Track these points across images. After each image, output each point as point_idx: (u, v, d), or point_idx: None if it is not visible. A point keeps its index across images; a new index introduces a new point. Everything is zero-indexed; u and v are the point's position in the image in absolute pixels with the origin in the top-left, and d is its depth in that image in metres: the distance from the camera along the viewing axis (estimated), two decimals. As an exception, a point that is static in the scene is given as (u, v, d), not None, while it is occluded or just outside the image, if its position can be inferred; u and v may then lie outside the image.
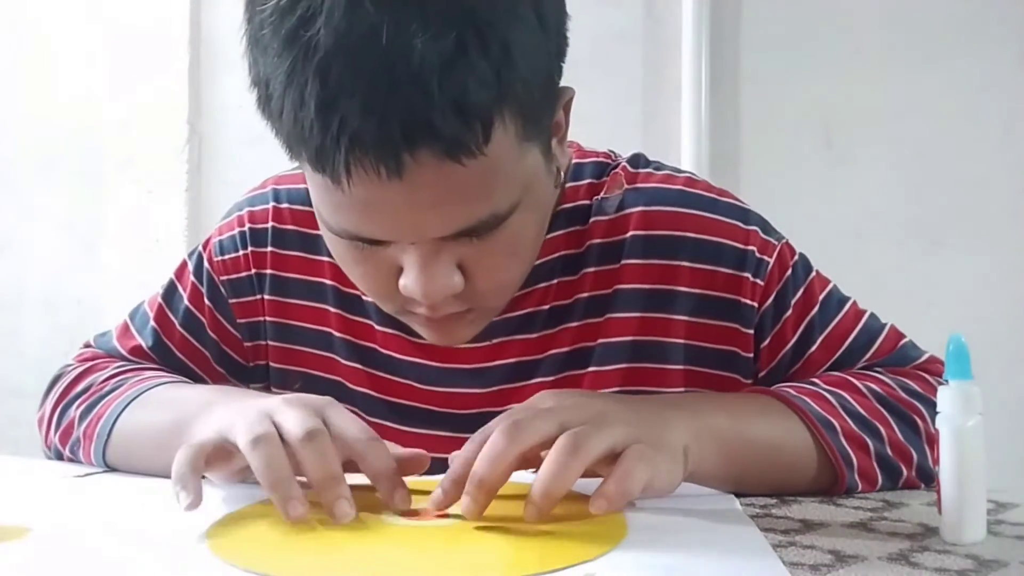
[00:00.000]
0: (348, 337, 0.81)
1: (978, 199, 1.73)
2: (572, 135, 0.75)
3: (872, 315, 0.83)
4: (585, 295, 0.77)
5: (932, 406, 0.56)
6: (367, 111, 0.53)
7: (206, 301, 0.89)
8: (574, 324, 0.77)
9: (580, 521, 0.58)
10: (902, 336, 0.83)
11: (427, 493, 0.58)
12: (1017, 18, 1.72)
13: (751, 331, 0.75)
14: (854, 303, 0.82)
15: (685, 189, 0.78)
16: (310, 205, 0.69)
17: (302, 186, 0.83)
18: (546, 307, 0.77)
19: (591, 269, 0.77)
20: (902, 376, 0.76)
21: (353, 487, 0.56)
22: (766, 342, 0.76)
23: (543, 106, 0.62)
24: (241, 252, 0.87)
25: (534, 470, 0.68)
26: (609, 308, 0.76)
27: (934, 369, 0.78)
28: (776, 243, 0.77)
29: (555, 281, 0.77)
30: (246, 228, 0.89)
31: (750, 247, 0.75)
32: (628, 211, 0.77)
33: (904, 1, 1.77)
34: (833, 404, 0.69)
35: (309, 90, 0.53)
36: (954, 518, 0.52)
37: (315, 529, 0.56)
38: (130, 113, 2.01)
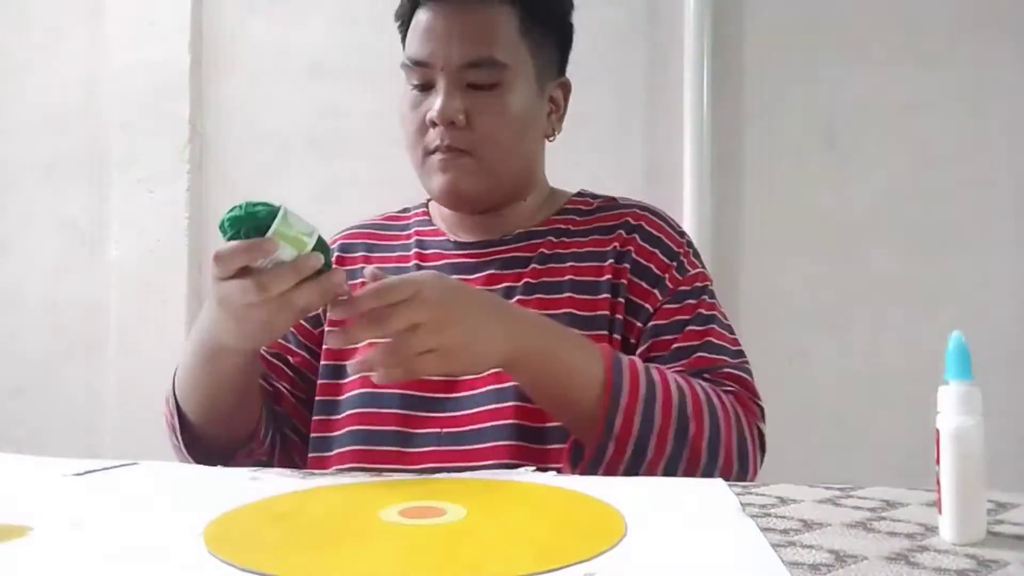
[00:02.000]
0: None
1: (980, 199, 1.73)
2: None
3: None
4: (570, 251, 1.00)
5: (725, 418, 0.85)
6: None
7: None
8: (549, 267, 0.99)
9: (578, 521, 0.58)
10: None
11: (427, 492, 0.58)
12: (1019, 18, 1.72)
13: (659, 299, 0.97)
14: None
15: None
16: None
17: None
18: (535, 254, 1.00)
19: (584, 238, 1.01)
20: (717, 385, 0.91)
21: (352, 487, 0.56)
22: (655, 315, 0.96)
23: (541, 37, 0.98)
24: None
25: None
26: (585, 260, 0.99)
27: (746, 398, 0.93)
28: (700, 268, 1.03)
29: (547, 239, 1.01)
30: None
31: (680, 250, 1.02)
32: (614, 210, 1.04)
33: (907, 1, 1.77)
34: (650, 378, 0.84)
35: None
36: (954, 518, 0.52)
37: (313, 529, 0.56)
38: (131, 113, 2.01)
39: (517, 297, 0.96)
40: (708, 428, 0.83)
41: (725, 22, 1.81)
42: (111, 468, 0.77)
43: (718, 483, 0.69)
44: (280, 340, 1.03)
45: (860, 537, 0.54)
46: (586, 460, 0.81)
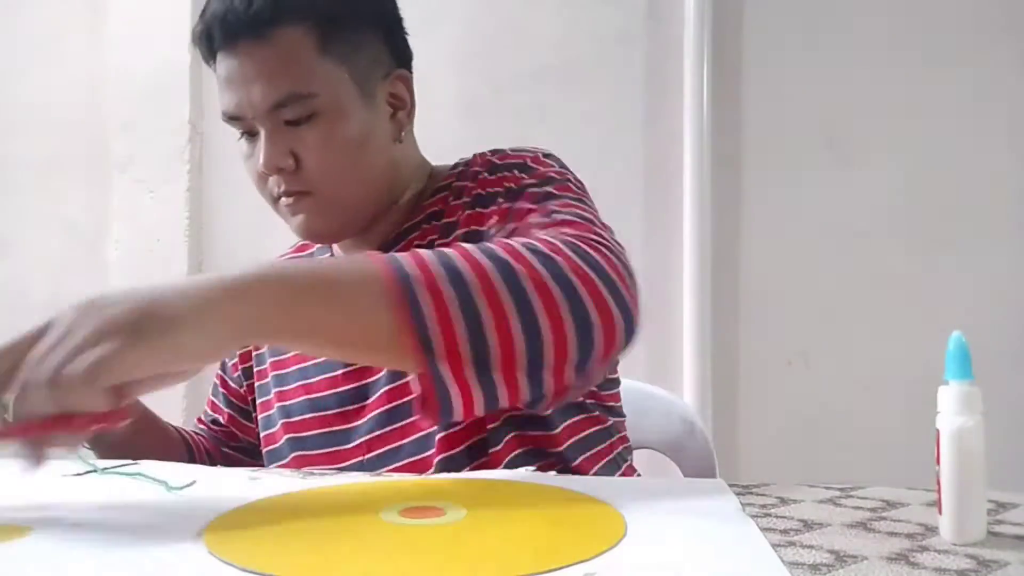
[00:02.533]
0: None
1: (980, 200, 1.73)
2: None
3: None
4: (444, 225, 0.93)
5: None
6: (214, 13, 0.88)
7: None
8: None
9: (578, 521, 0.58)
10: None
11: (427, 492, 0.58)
12: (1019, 20, 1.72)
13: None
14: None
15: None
16: None
17: None
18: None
19: (449, 219, 0.93)
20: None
21: (352, 487, 0.56)
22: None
23: (348, 44, 0.89)
24: None
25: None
26: (451, 231, 0.92)
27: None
28: (557, 169, 0.91)
29: (421, 228, 0.94)
30: None
31: (521, 160, 0.92)
32: (475, 168, 0.95)
33: (906, 3, 1.77)
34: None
35: (199, 17, 0.90)
36: (954, 518, 0.52)
37: (313, 528, 0.56)
38: (132, 113, 2.01)
39: None
40: (541, 267, 0.67)
41: (725, 22, 1.81)
42: (111, 468, 0.76)
43: (718, 483, 0.69)
44: (212, 398, 1.10)
45: (860, 537, 0.54)
46: (420, 371, 0.64)
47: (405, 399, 0.88)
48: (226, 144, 1.97)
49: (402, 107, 0.96)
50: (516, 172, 0.90)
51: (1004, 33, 1.73)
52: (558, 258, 0.68)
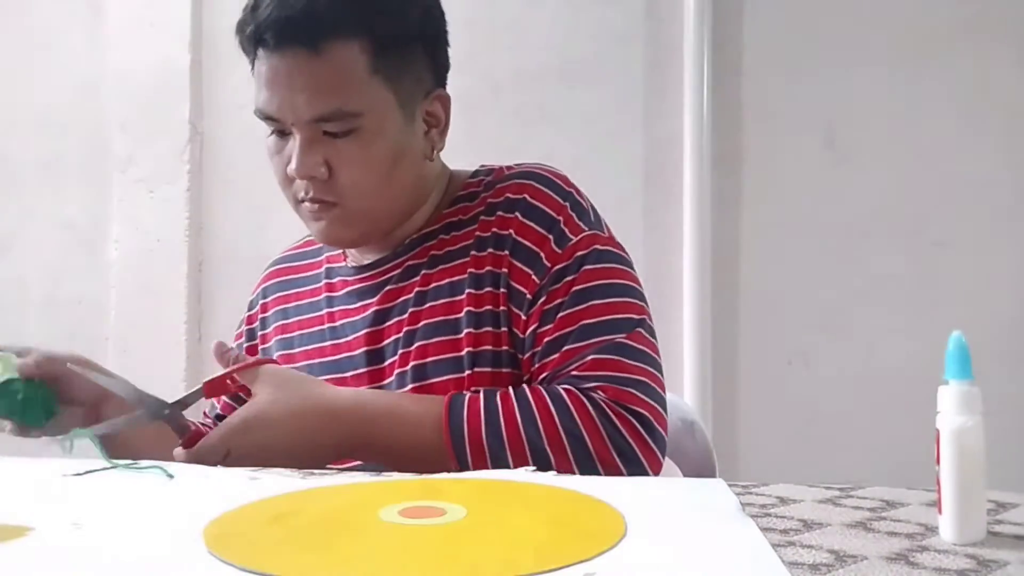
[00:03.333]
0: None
1: (979, 199, 1.73)
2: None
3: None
4: (459, 246, 0.95)
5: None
6: (270, 10, 0.85)
7: None
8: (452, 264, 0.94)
9: (578, 521, 0.58)
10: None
11: (427, 492, 0.58)
12: (1018, 18, 1.72)
13: (537, 282, 0.90)
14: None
15: (532, 170, 0.97)
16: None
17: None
18: (425, 259, 0.95)
19: (469, 228, 0.95)
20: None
21: (352, 487, 0.56)
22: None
23: (399, 63, 0.89)
24: None
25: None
26: (470, 250, 0.93)
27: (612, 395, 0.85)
28: (587, 230, 0.92)
29: (438, 238, 0.96)
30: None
31: (560, 216, 0.92)
32: (496, 187, 0.96)
33: (905, 1, 1.77)
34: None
35: (248, 8, 0.88)
36: (954, 518, 0.52)
37: (313, 528, 0.56)
38: (132, 113, 2.01)
39: (410, 309, 0.93)
40: (572, 454, 0.81)
41: (725, 22, 1.81)
42: (111, 468, 0.76)
43: (718, 483, 0.69)
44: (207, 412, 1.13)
45: (860, 537, 0.54)
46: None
47: (426, 359, 0.92)
48: (226, 144, 1.98)
49: (436, 125, 0.96)
50: (547, 234, 0.90)
51: (1004, 33, 1.73)
52: (589, 443, 0.81)
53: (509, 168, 0.99)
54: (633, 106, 1.84)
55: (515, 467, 0.79)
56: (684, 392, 1.77)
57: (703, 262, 1.78)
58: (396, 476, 0.75)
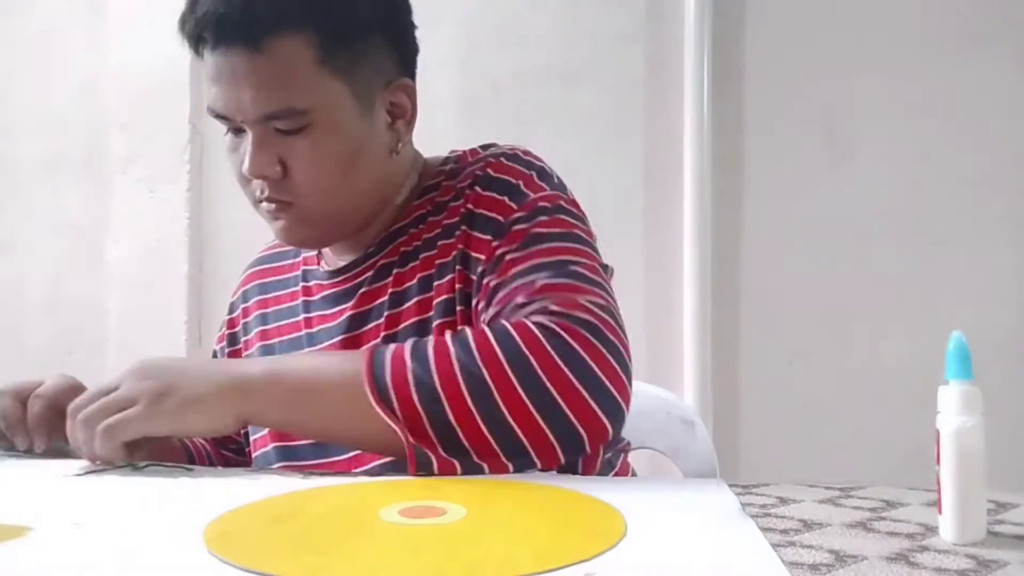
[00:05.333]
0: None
1: (980, 199, 1.73)
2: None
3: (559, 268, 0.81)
4: (432, 235, 0.90)
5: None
6: (208, 7, 0.82)
7: None
8: (425, 257, 0.90)
9: (578, 521, 0.58)
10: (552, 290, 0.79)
11: (427, 492, 0.58)
12: (1019, 18, 1.72)
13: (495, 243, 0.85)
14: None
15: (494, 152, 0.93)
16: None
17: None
18: (396, 257, 0.92)
19: (435, 218, 0.91)
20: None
21: (352, 487, 0.56)
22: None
23: (350, 55, 0.84)
24: None
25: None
26: (438, 240, 0.89)
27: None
28: (548, 189, 0.88)
29: (408, 233, 0.92)
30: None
31: (519, 180, 0.88)
32: (470, 167, 0.91)
33: (907, 1, 1.77)
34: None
35: (188, 3, 0.86)
36: (954, 518, 0.52)
37: (313, 528, 0.56)
38: (132, 113, 2.01)
39: (386, 313, 0.90)
40: (515, 375, 0.70)
41: (725, 22, 1.81)
42: (111, 468, 0.76)
43: (718, 483, 0.69)
44: None
45: (860, 537, 0.54)
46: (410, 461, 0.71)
47: None
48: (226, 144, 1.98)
49: (402, 115, 0.91)
50: (508, 200, 0.86)
51: (1004, 33, 1.73)
52: (535, 363, 0.71)
53: (474, 152, 0.94)
54: (633, 106, 1.84)
55: (449, 404, 0.70)
56: (684, 392, 1.77)
57: (703, 262, 1.78)
58: (396, 476, 0.75)
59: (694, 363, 1.78)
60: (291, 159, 0.84)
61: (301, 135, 0.84)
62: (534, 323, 0.73)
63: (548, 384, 0.71)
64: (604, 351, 0.73)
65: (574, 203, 0.90)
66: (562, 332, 0.72)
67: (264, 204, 0.88)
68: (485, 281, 0.83)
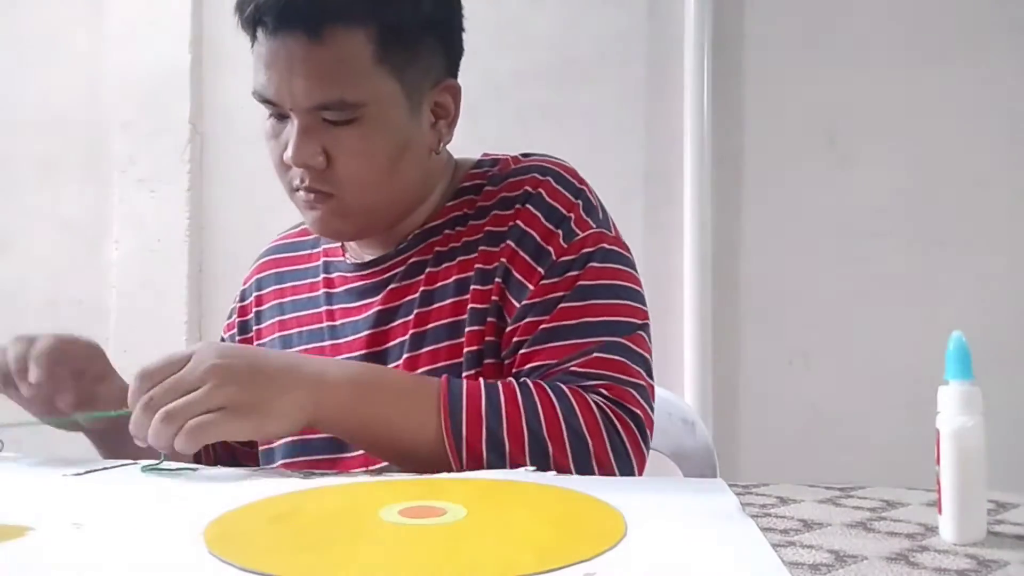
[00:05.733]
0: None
1: (981, 199, 1.73)
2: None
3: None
4: (462, 242, 0.91)
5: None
6: None
7: None
8: (456, 262, 0.91)
9: (578, 521, 0.58)
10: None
11: (427, 492, 0.58)
12: (1019, 18, 1.72)
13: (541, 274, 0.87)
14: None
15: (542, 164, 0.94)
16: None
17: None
18: (430, 256, 0.92)
19: (476, 222, 0.92)
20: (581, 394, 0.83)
21: (352, 487, 0.56)
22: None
23: (406, 53, 0.85)
24: None
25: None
26: (479, 245, 0.90)
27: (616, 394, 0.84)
28: (595, 227, 0.90)
29: (443, 233, 0.93)
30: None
31: (570, 213, 0.89)
32: (505, 180, 0.93)
33: (907, 2, 1.77)
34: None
35: None
36: (954, 518, 0.52)
37: (313, 528, 0.56)
38: (132, 113, 2.01)
39: (416, 310, 0.91)
40: (571, 449, 0.79)
41: (725, 22, 1.81)
42: (111, 468, 0.77)
43: (718, 483, 0.69)
44: None
45: (860, 537, 0.54)
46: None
47: (437, 364, 0.88)
48: (226, 144, 1.98)
49: (445, 116, 0.92)
50: (558, 231, 0.88)
51: (1004, 33, 1.73)
52: (592, 450, 0.79)
53: (516, 160, 0.95)
54: (634, 106, 1.84)
55: (511, 454, 0.77)
56: (684, 392, 1.76)
57: (703, 262, 1.78)
58: (396, 476, 0.75)
59: (694, 363, 1.78)
60: (336, 150, 0.85)
61: (349, 127, 0.84)
62: (595, 405, 0.81)
63: (596, 470, 0.79)
64: (643, 448, 0.83)
65: (617, 239, 0.92)
66: (619, 427, 0.81)
67: (301, 193, 0.87)
68: (532, 318, 0.86)
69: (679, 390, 1.76)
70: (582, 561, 0.48)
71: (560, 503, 0.63)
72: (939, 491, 0.53)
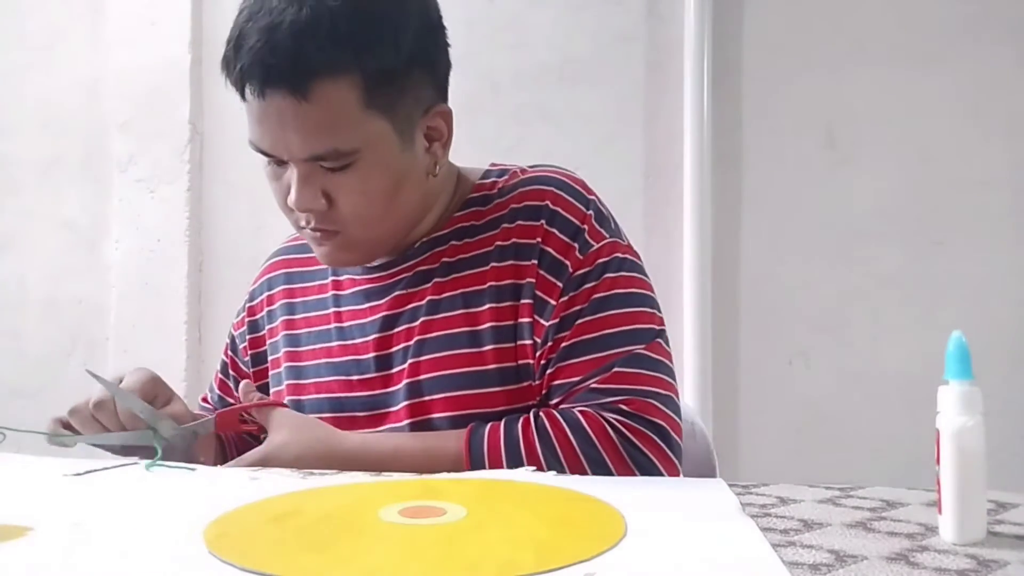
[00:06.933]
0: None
1: (979, 199, 1.73)
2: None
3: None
4: (471, 254, 0.93)
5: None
6: (254, 52, 0.82)
7: None
8: (463, 274, 0.93)
9: (578, 521, 0.58)
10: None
11: (427, 492, 0.58)
12: (1019, 18, 1.72)
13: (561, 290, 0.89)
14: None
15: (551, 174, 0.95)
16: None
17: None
18: (437, 265, 0.94)
19: (485, 235, 0.93)
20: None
21: (352, 487, 0.56)
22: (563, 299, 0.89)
23: (393, 92, 0.85)
24: None
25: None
26: (490, 260, 0.92)
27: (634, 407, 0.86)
28: (607, 237, 0.92)
29: (450, 244, 0.94)
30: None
31: (584, 225, 0.90)
32: (514, 192, 0.94)
33: (907, 2, 1.77)
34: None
35: (231, 43, 0.85)
36: (954, 518, 0.52)
37: (313, 528, 0.56)
38: (132, 113, 2.01)
39: (421, 318, 0.92)
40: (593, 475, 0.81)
41: (725, 22, 1.81)
42: (111, 468, 0.77)
43: (718, 483, 0.69)
44: (221, 376, 1.12)
45: (860, 537, 0.54)
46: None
47: (425, 416, 0.90)
48: (226, 144, 1.98)
49: (438, 138, 0.93)
50: (573, 244, 0.89)
51: (1004, 33, 1.73)
52: (606, 458, 0.82)
53: (523, 171, 0.97)
54: (633, 106, 1.84)
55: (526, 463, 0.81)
56: (684, 392, 1.76)
57: (703, 262, 1.78)
58: (396, 476, 0.75)
59: (694, 363, 1.78)
60: (336, 193, 0.86)
61: (346, 172, 0.85)
62: (610, 427, 0.82)
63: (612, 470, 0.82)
64: (671, 456, 0.84)
65: (629, 247, 0.93)
66: (638, 442, 0.82)
67: (307, 230, 0.90)
68: (556, 338, 0.87)
69: (679, 390, 1.76)
70: (582, 561, 0.48)
71: (560, 503, 0.63)
72: (939, 491, 0.53)
